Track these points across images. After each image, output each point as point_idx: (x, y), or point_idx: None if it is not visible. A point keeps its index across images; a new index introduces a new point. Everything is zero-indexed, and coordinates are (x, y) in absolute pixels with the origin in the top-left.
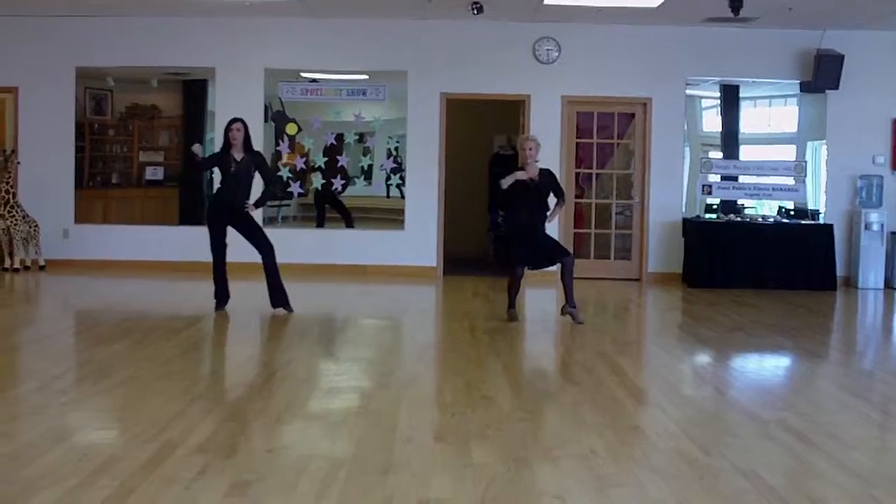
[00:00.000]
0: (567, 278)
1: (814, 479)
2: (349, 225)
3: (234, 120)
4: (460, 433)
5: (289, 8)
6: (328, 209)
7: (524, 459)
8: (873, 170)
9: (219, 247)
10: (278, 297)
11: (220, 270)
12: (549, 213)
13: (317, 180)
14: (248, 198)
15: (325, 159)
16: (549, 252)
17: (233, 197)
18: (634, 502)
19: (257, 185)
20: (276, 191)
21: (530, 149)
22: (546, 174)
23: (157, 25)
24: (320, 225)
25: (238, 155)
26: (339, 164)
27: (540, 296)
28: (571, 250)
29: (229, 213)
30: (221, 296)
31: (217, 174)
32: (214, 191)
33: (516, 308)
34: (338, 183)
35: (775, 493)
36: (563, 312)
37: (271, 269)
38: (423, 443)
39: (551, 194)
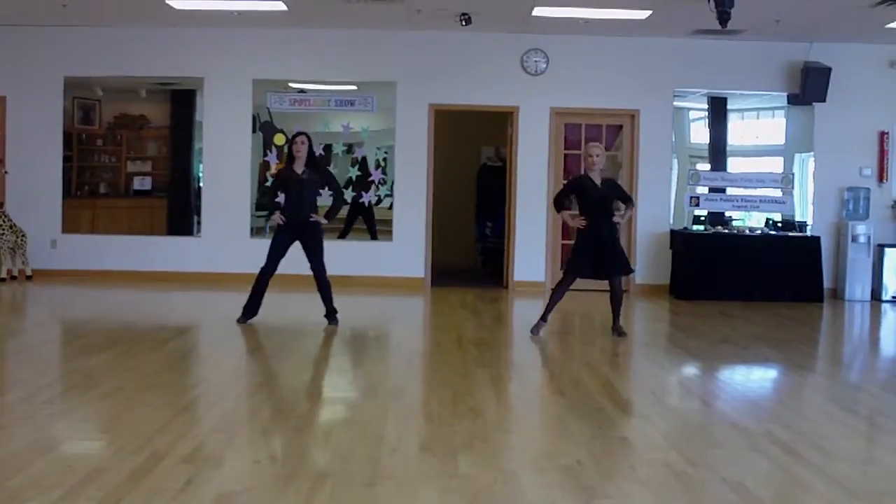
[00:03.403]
0: (616, 298)
1: (800, 491)
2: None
3: (299, 133)
4: (447, 444)
5: (277, 18)
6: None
7: (511, 471)
8: (860, 182)
9: (273, 259)
10: (328, 313)
11: (262, 283)
12: (620, 215)
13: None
14: (314, 211)
15: None
16: (612, 261)
17: (297, 212)
18: None
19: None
20: (343, 201)
21: (597, 155)
22: (610, 183)
23: (146, 35)
24: (343, 236)
25: (300, 169)
26: None
27: (527, 306)
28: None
29: (298, 228)
30: (251, 309)
31: (228, 180)
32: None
33: (547, 322)
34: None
35: None
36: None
37: (321, 286)
38: (409, 454)
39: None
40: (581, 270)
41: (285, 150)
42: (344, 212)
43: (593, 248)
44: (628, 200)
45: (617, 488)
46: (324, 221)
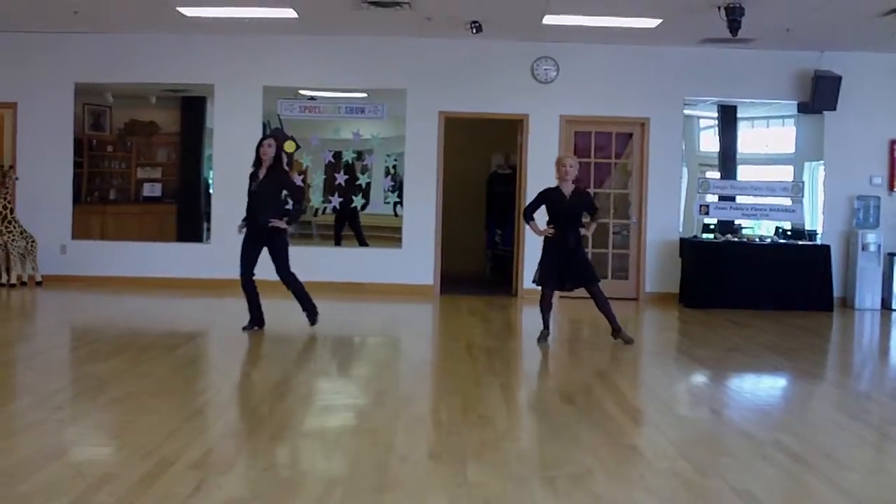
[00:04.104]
0: (600, 306)
1: (809, 500)
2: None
3: (266, 136)
4: (456, 452)
5: (288, 25)
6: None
7: (520, 479)
8: (870, 190)
9: (244, 264)
10: (306, 313)
11: (247, 289)
12: (587, 225)
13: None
14: (274, 216)
15: (324, 177)
16: (576, 273)
17: (255, 215)
18: None
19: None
20: (303, 209)
21: (570, 166)
22: (581, 193)
23: (156, 42)
24: (338, 243)
25: (262, 172)
26: (337, 182)
27: (536, 314)
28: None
29: (261, 234)
30: (253, 316)
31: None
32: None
33: (549, 329)
34: (335, 201)
35: None
36: (614, 338)
37: (293, 293)
38: (418, 461)
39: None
40: (549, 281)
41: (283, 155)
42: (330, 219)
43: (560, 259)
44: (595, 212)
45: (626, 497)
46: (283, 226)
